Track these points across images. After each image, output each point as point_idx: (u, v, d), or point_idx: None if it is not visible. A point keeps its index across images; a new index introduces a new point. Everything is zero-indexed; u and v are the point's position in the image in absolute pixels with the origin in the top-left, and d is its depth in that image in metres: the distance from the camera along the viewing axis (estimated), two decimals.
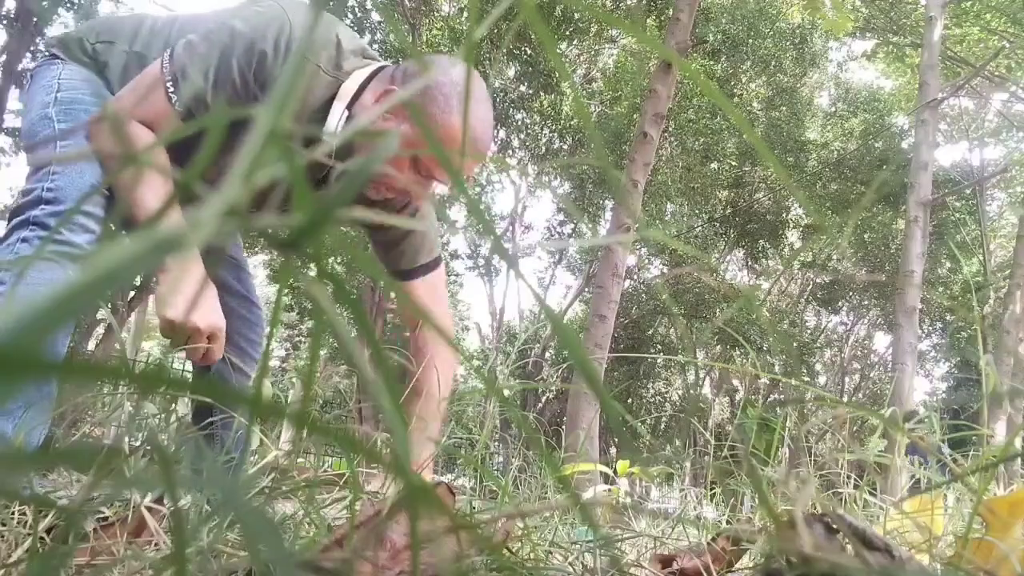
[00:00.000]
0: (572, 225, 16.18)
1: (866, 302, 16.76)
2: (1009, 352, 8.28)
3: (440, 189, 1.32)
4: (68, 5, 10.34)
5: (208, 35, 1.21)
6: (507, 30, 10.71)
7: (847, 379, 18.24)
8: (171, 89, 1.19)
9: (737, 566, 0.66)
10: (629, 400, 16.70)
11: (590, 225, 13.47)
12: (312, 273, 0.22)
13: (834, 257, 16.37)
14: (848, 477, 0.95)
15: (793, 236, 15.61)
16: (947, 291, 15.24)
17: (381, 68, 1.30)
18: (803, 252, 15.30)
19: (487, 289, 16.69)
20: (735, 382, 16.00)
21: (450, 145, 1.20)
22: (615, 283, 5.81)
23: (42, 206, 1.21)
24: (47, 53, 1.40)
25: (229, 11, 1.30)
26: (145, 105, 1.19)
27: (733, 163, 13.75)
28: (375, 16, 12.58)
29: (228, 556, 0.57)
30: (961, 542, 0.57)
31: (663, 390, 18.48)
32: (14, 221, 1.22)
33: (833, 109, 15.58)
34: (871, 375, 18.46)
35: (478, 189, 16.48)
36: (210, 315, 1.18)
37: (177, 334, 1.13)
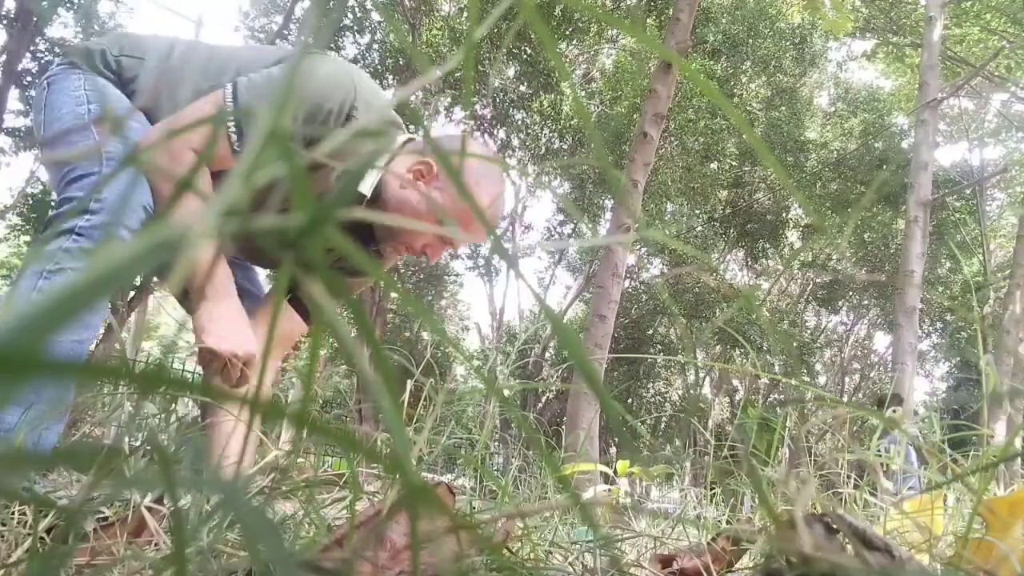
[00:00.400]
0: (572, 225, 16.17)
1: (866, 302, 16.76)
2: (1009, 352, 8.28)
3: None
4: (68, 5, 10.34)
5: (274, 82, 1.23)
6: (507, 29, 10.71)
7: (847, 379, 18.23)
8: (232, 129, 1.20)
9: (737, 566, 0.66)
10: (629, 400, 16.70)
11: (590, 225, 13.47)
12: (311, 274, 0.22)
13: (834, 257, 16.37)
14: (848, 477, 0.95)
15: (793, 236, 15.61)
16: (947, 291, 15.24)
17: (410, 138, 1.38)
18: (803, 252, 15.30)
19: (487, 289, 16.68)
20: (735, 382, 16.00)
21: (474, 215, 1.25)
22: (615, 283, 5.80)
23: (88, 216, 1.18)
24: (64, 61, 1.39)
25: (289, 58, 1.31)
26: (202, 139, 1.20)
27: (733, 163, 13.75)
28: (375, 16, 12.58)
29: (228, 556, 0.57)
30: (961, 542, 0.57)
31: (663, 390, 18.47)
32: (56, 228, 1.19)
33: (833, 109, 15.58)
34: (871, 375, 18.46)
35: None
36: (246, 343, 1.20)
37: (216, 362, 1.15)
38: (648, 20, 11.86)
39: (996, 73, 10.31)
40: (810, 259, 16.13)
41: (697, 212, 14.96)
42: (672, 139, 13.13)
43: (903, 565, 0.40)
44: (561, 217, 16.87)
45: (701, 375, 16.12)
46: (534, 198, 17.96)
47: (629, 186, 5.64)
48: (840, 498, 0.95)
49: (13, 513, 0.64)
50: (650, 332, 16.13)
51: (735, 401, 16.52)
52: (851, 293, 16.26)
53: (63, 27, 10.78)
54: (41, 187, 10.58)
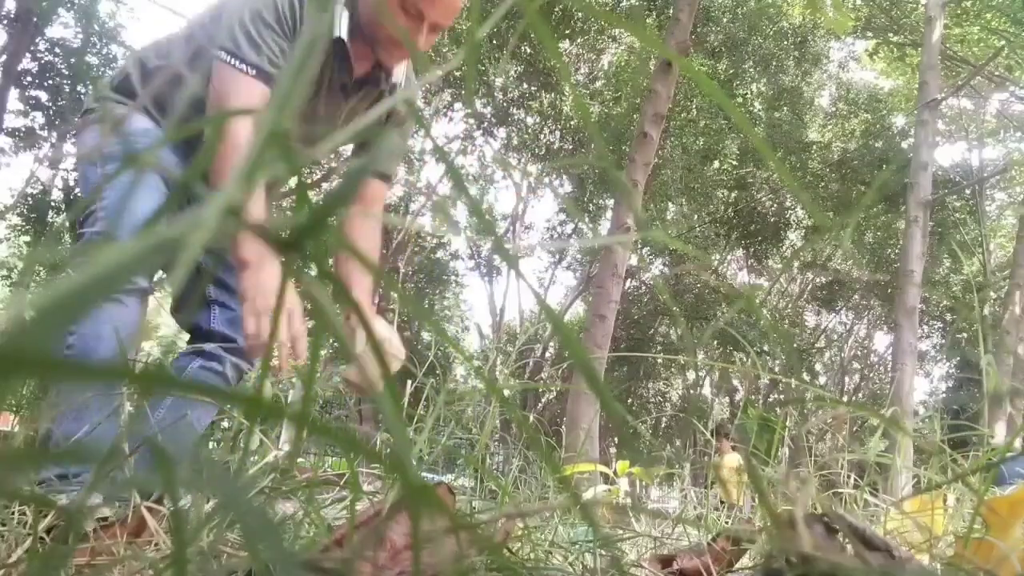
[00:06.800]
0: (573, 225, 16.17)
1: (866, 302, 16.75)
2: (1009, 352, 8.28)
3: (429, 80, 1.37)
4: (68, 5, 10.33)
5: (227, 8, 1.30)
6: (507, 29, 10.70)
7: (847, 379, 18.23)
8: (237, 64, 1.25)
9: (737, 566, 0.66)
10: (629, 400, 16.70)
11: (590, 225, 13.46)
12: (312, 273, 0.22)
13: (834, 257, 16.36)
14: (848, 477, 0.94)
15: (794, 236, 15.61)
16: (947, 291, 15.23)
17: None
18: (804, 253, 15.30)
19: (488, 289, 16.70)
20: (735, 382, 16.01)
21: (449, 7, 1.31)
22: (615, 283, 5.80)
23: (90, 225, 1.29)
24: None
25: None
26: (236, 98, 1.23)
27: (734, 163, 13.74)
28: None
29: (228, 556, 0.57)
30: (961, 542, 0.57)
31: (663, 390, 18.47)
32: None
33: (834, 109, 15.57)
34: (871, 375, 18.45)
35: (479, 187, 16.50)
36: (294, 322, 1.20)
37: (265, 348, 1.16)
38: (648, 20, 11.85)
39: (996, 73, 10.31)
40: (810, 259, 16.12)
41: (698, 213, 14.96)
42: (672, 139, 13.12)
43: (903, 565, 0.40)
44: (562, 217, 16.87)
45: (701, 375, 16.12)
46: (535, 198, 17.95)
47: (629, 186, 5.65)
48: (840, 498, 0.95)
49: (13, 513, 0.64)
50: (651, 332, 16.13)
51: (735, 401, 16.52)
52: (851, 293, 16.26)
53: (63, 27, 10.78)
54: (41, 187, 10.57)
